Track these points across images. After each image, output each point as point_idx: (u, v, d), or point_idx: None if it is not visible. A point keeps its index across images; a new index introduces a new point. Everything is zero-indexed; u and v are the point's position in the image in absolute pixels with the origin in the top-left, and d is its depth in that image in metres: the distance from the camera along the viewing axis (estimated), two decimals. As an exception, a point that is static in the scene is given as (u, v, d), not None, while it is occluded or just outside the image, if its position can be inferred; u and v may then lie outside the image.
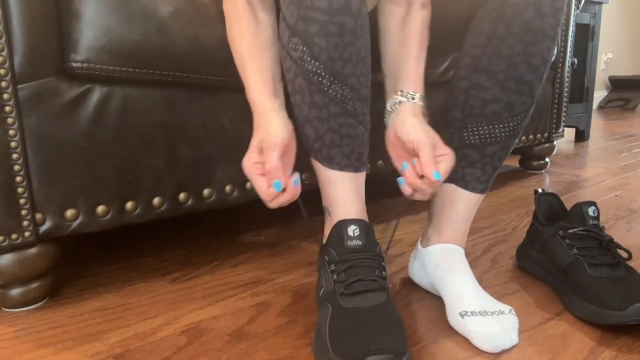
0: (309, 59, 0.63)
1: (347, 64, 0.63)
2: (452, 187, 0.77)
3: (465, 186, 0.76)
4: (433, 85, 0.91)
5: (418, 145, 0.65)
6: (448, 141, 0.77)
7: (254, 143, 0.66)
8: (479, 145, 0.75)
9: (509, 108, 0.72)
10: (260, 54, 0.70)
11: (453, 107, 0.75)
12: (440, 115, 0.78)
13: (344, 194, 0.69)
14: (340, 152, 0.68)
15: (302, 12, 0.61)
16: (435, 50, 1.00)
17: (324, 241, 0.70)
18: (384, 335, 0.56)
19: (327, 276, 0.67)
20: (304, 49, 0.62)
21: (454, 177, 0.77)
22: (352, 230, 0.65)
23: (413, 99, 0.70)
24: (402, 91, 0.71)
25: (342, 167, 0.68)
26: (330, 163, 0.68)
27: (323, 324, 0.62)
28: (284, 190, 0.64)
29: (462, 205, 0.77)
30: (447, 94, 0.77)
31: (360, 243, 0.65)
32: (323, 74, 0.63)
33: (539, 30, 0.69)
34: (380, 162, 1.12)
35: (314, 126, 0.67)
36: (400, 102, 0.70)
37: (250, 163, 0.65)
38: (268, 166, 0.63)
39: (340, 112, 0.65)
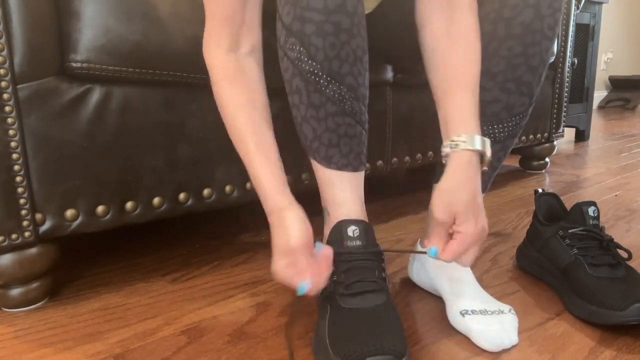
0: (306, 59, 0.63)
1: (344, 63, 0.63)
2: None
3: None
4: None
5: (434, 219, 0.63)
6: None
7: (278, 248, 0.60)
8: None
9: (509, 109, 0.72)
10: (262, 130, 0.65)
11: None
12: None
13: (343, 194, 0.68)
14: (339, 152, 0.67)
15: (298, 12, 0.61)
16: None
17: (324, 242, 0.70)
18: (383, 336, 0.56)
19: None
20: (301, 49, 0.62)
21: None
22: (352, 230, 0.65)
23: (457, 146, 0.64)
24: (448, 138, 0.66)
25: (340, 167, 0.68)
26: (328, 163, 0.68)
27: (322, 324, 0.62)
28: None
29: None
30: None
31: (360, 244, 0.65)
32: (320, 73, 0.63)
33: (538, 31, 0.69)
34: (380, 162, 1.12)
35: (311, 126, 0.67)
36: (446, 154, 0.65)
37: (282, 269, 0.60)
38: (299, 268, 0.59)
39: (338, 111, 0.65)
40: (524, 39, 0.69)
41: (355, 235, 0.65)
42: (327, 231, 0.70)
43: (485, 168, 0.66)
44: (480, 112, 0.73)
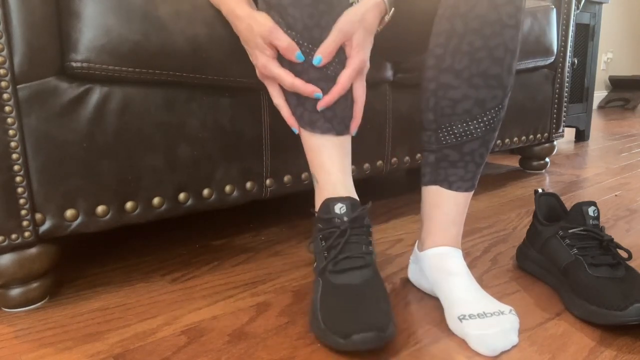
0: (285, 29, 0.66)
1: (325, 30, 0.66)
2: (436, 189, 0.76)
3: (450, 187, 0.75)
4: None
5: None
6: (426, 143, 0.77)
7: (255, 46, 0.69)
8: (456, 144, 0.74)
9: (480, 104, 0.72)
10: None
11: (425, 110, 0.75)
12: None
13: (329, 161, 0.71)
14: (322, 117, 0.70)
15: None
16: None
17: (315, 210, 0.74)
18: (368, 312, 0.61)
19: (319, 250, 0.70)
20: (280, 20, 0.66)
21: (437, 179, 0.76)
22: (339, 208, 0.69)
23: None
24: None
25: (324, 131, 0.70)
26: (312, 127, 0.70)
27: (315, 299, 0.66)
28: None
29: (449, 206, 0.76)
30: (420, 97, 0.77)
31: (347, 219, 0.68)
32: (301, 41, 0.66)
33: (497, 22, 0.68)
34: (379, 162, 1.12)
35: (295, 92, 0.69)
36: None
37: (269, 60, 0.68)
38: (284, 44, 0.66)
39: (320, 77, 0.67)
40: (483, 31, 0.68)
41: (342, 212, 0.68)
42: (317, 199, 0.74)
43: (385, 20, 0.74)
44: (451, 111, 0.73)
